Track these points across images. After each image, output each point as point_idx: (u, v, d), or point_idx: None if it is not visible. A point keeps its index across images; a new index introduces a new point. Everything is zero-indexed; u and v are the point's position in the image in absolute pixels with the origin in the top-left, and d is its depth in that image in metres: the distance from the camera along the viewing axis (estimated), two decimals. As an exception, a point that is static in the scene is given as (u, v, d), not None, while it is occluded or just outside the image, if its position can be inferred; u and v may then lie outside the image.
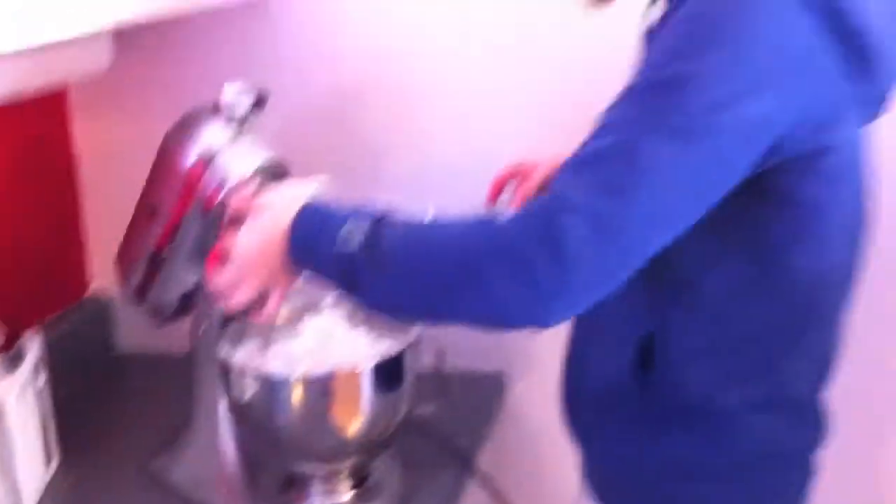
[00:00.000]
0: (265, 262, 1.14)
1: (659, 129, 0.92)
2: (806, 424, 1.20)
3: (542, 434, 1.77)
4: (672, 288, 1.09)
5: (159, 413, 1.62)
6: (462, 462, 1.47)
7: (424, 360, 1.39)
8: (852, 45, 0.97)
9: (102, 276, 1.88)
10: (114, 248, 1.80)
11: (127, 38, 1.54)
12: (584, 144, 0.97)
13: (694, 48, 0.94)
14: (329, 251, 1.05)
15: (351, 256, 1.02)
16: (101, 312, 1.84)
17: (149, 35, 1.62)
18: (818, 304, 1.13)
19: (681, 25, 0.98)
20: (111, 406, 1.71)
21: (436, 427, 1.50)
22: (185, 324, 1.67)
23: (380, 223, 1.03)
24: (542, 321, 0.95)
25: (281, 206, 1.12)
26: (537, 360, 1.74)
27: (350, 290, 1.05)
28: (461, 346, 1.53)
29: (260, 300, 1.19)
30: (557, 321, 0.95)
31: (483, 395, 1.68)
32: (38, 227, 1.77)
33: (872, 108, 1.05)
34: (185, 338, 1.69)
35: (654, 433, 1.15)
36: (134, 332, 1.86)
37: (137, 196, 1.49)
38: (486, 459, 1.53)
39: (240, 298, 1.17)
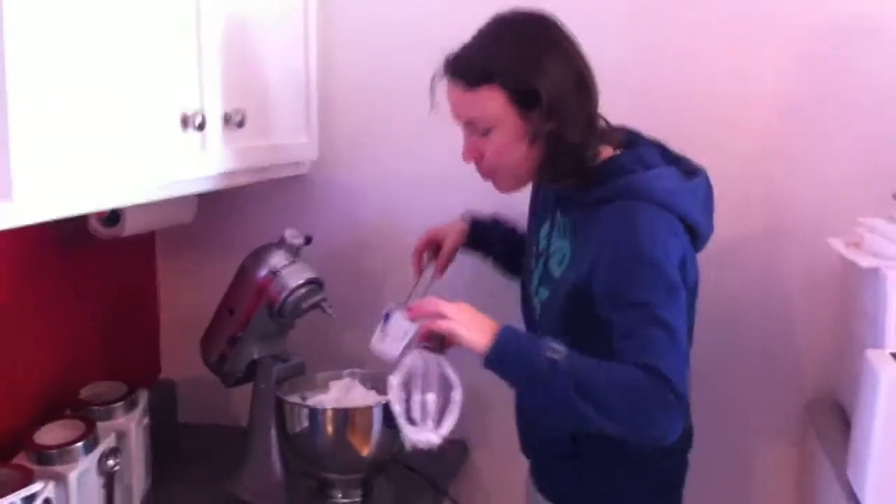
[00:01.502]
0: (475, 320, 1.60)
1: (660, 311, 1.56)
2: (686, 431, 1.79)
3: (490, 474, 2.40)
4: None
5: (214, 458, 2.25)
6: (437, 489, 2.08)
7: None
8: (693, 235, 1.69)
9: (170, 367, 2.54)
10: (179, 349, 2.47)
11: (207, 198, 2.25)
12: (630, 336, 1.56)
13: (640, 280, 1.58)
14: (540, 353, 1.54)
15: (558, 364, 1.53)
16: (168, 391, 2.42)
17: (224, 195, 2.27)
18: None
19: (621, 268, 1.60)
20: (179, 453, 2.30)
21: (420, 467, 2.07)
22: (226, 405, 2.33)
23: (573, 351, 1.56)
24: (674, 436, 1.56)
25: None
26: (489, 435, 2.36)
27: (536, 384, 1.55)
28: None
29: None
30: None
31: (453, 452, 2.25)
32: (129, 332, 2.41)
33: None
34: (222, 413, 2.33)
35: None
36: (190, 407, 2.45)
37: (194, 313, 2.19)
38: (453, 489, 2.14)
39: (439, 308, 1.61)
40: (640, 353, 1.55)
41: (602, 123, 1.74)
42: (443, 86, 1.73)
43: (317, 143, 2.32)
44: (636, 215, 1.62)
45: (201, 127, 1.68)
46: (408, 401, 1.69)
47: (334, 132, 2.36)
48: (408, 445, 1.70)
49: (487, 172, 1.75)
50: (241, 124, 1.84)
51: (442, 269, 2.08)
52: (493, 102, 1.65)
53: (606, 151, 1.73)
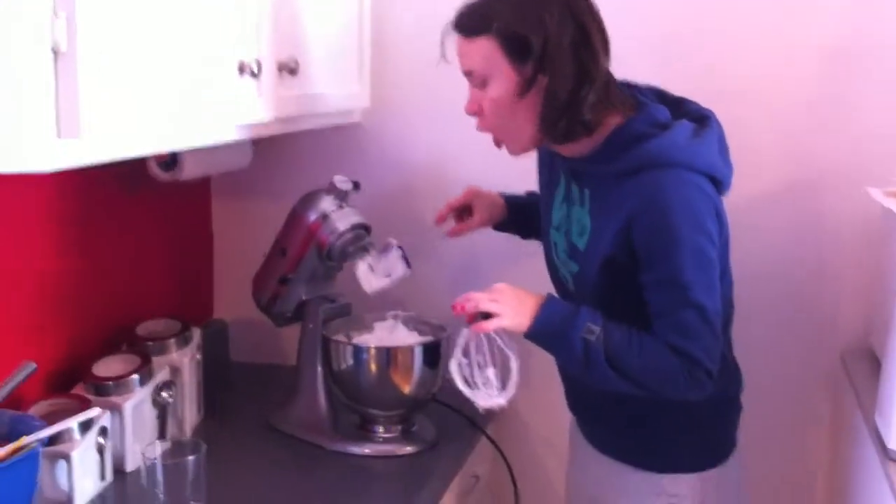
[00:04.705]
0: (516, 302, 1.69)
1: (693, 292, 1.62)
2: (733, 373, 1.87)
3: (528, 415, 2.47)
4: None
5: (264, 394, 2.34)
6: (475, 426, 2.15)
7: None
8: (717, 183, 1.72)
9: (222, 308, 2.63)
10: (231, 291, 2.55)
11: (262, 144, 2.32)
12: (665, 315, 1.64)
13: (675, 260, 1.62)
14: (575, 334, 1.64)
15: (592, 345, 1.63)
16: (221, 331, 2.50)
17: (278, 142, 2.35)
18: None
19: (656, 246, 1.63)
20: (229, 389, 2.39)
21: (459, 405, 2.09)
22: (275, 344, 2.41)
23: (608, 327, 1.64)
24: (701, 397, 1.67)
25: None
26: (528, 378, 2.37)
27: (579, 363, 1.65)
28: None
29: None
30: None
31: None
32: (184, 273, 2.50)
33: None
34: (272, 353, 2.41)
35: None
36: (240, 346, 2.54)
37: (247, 256, 2.26)
38: (490, 428, 2.22)
39: (480, 307, 1.68)
40: (673, 334, 1.64)
41: (612, 87, 1.72)
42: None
43: (368, 91, 2.38)
44: (665, 189, 1.64)
45: (257, 74, 1.74)
46: (470, 374, 1.75)
47: (386, 81, 2.41)
48: (480, 410, 1.78)
49: (488, 128, 1.75)
50: (294, 72, 1.91)
51: (455, 235, 2.12)
52: (487, 52, 1.67)
53: (615, 118, 1.72)
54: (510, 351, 1.74)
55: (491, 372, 1.74)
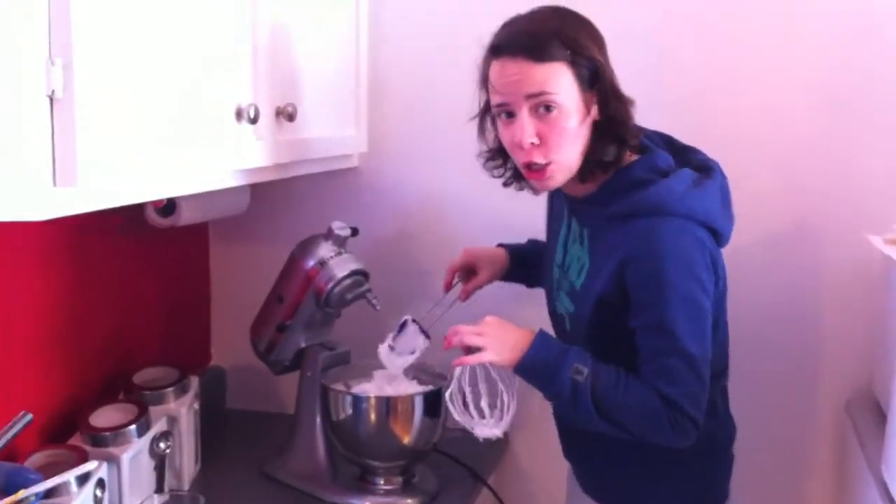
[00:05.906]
0: (502, 335, 1.70)
1: (682, 342, 1.62)
2: (724, 424, 1.86)
3: (530, 466, 2.43)
4: None
5: (261, 443, 2.29)
6: (477, 477, 2.11)
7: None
8: (716, 234, 1.71)
9: (220, 354, 2.60)
10: (229, 337, 2.52)
11: (260, 189, 2.31)
12: (653, 360, 1.63)
13: (666, 308, 1.61)
14: (564, 374, 1.63)
15: (580, 385, 1.63)
16: (218, 378, 2.51)
17: (276, 187, 2.34)
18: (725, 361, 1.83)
19: (648, 293, 1.63)
20: (227, 437, 2.36)
21: (461, 456, 2.11)
22: (273, 392, 2.38)
23: (596, 368, 1.64)
24: (686, 444, 1.65)
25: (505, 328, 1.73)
26: (530, 427, 2.37)
27: (565, 402, 1.65)
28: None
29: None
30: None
31: (494, 442, 2.18)
32: (182, 319, 2.47)
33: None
34: (270, 401, 2.37)
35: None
36: (238, 393, 2.54)
37: (245, 301, 2.25)
38: (493, 479, 2.18)
39: (464, 341, 1.69)
40: (659, 380, 1.63)
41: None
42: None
43: (366, 135, 2.38)
44: (660, 236, 1.64)
45: (254, 120, 1.73)
46: (466, 404, 1.76)
47: (384, 125, 2.41)
48: (479, 440, 1.79)
49: (546, 158, 1.67)
50: (291, 118, 1.89)
51: (467, 296, 2.12)
52: (561, 76, 1.63)
53: (628, 156, 1.73)
54: (503, 383, 1.75)
55: (485, 403, 1.75)
